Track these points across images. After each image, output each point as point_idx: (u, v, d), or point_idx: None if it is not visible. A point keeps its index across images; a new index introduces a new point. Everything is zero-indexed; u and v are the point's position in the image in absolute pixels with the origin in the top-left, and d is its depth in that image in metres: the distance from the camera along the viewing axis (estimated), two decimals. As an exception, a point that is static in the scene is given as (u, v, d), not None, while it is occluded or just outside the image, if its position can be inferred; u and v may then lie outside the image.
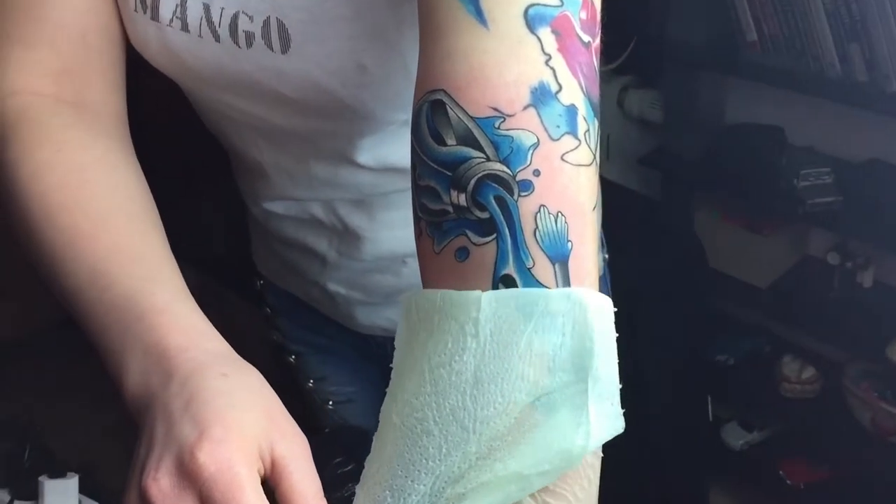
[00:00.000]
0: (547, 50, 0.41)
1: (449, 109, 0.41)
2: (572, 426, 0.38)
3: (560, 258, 0.40)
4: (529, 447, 0.38)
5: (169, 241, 0.53)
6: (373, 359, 0.85)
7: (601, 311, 0.39)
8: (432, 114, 0.42)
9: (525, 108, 0.41)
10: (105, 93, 0.58)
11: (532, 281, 0.39)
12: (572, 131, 0.41)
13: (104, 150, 0.55)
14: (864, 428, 1.47)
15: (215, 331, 0.48)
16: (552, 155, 0.40)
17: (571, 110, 0.41)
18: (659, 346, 1.36)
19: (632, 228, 1.35)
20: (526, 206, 0.40)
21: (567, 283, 0.39)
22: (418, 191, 0.43)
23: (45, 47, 0.57)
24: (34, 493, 0.61)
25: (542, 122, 0.40)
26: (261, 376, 0.46)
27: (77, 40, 0.57)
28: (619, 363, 0.38)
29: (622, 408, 0.40)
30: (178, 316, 0.47)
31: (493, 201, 0.40)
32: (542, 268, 0.39)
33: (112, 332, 0.47)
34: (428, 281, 0.43)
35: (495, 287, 0.39)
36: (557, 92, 0.41)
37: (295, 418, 0.45)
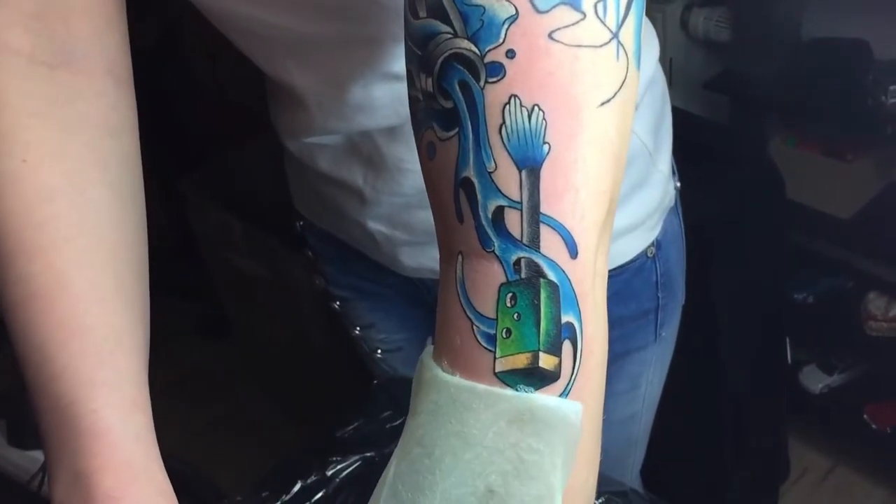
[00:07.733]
0: None
1: None
2: None
3: (529, 163, 0.32)
4: None
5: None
6: (423, 304, 0.79)
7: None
8: None
9: None
10: (92, 37, 0.48)
11: (492, 189, 0.32)
12: (571, 1, 0.32)
13: (78, 156, 0.46)
14: (959, 367, 1.38)
15: (156, 464, 0.44)
16: (535, 31, 0.32)
17: None
18: (732, 285, 1.28)
19: (698, 158, 1.26)
20: (493, 95, 0.32)
21: (535, 196, 0.32)
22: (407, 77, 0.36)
23: None
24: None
25: None
26: None
27: None
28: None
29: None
30: (117, 446, 0.42)
31: (457, 87, 0.33)
32: (506, 174, 0.32)
33: (51, 435, 0.43)
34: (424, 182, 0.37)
35: (456, 192, 0.33)
36: None
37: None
